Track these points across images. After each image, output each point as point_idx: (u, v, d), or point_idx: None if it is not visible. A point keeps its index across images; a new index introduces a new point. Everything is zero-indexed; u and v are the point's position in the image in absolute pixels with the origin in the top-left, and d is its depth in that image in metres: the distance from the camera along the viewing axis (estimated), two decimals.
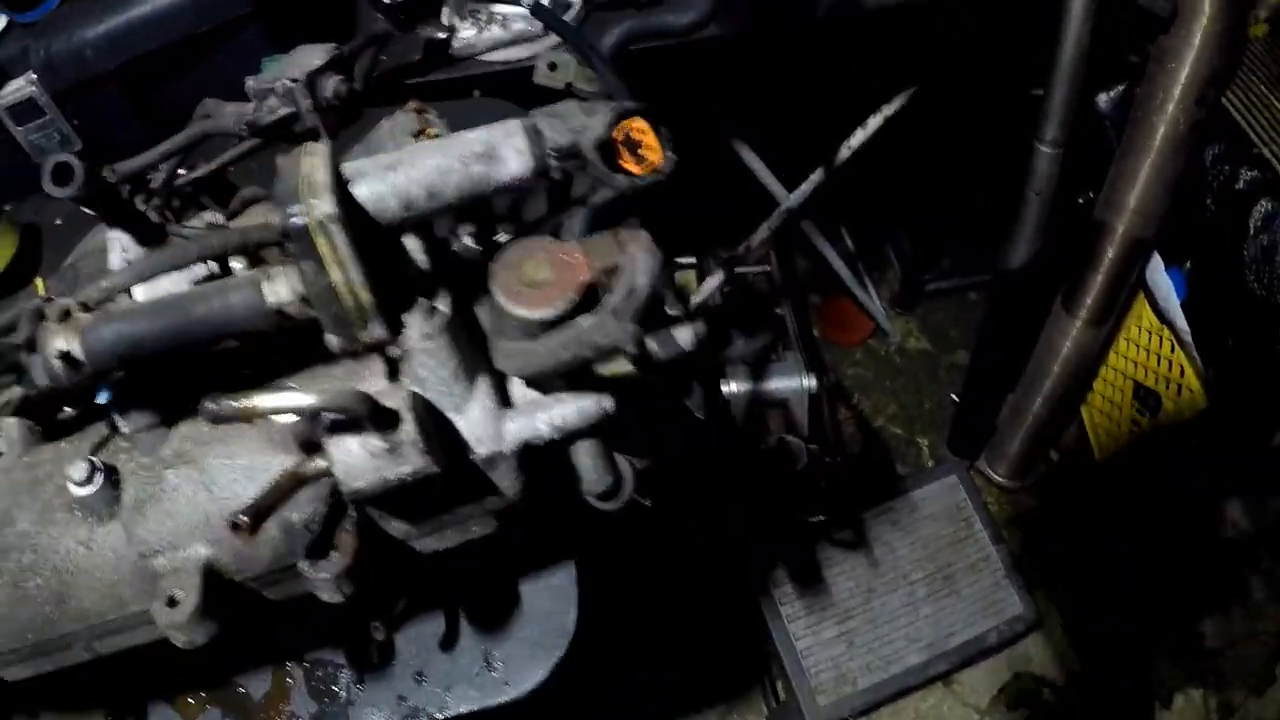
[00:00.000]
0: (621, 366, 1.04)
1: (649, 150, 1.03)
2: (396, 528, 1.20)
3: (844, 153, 2.56)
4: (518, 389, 1.15)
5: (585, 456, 1.16)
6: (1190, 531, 3.27)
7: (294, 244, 0.93)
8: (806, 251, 3.46)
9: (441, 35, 1.95)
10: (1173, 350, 2.83)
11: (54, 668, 1.27)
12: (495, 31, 2.12)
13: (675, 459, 1.35)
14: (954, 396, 3.30)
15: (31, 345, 1.06)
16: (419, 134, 1.38)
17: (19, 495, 1.23)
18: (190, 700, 1.64)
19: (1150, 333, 2.95)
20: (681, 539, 2.91)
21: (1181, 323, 2.66)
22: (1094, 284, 2.57)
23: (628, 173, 1.04)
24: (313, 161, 0.95)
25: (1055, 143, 2.32)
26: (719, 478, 2.79)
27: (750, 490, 2.91)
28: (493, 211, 1.19)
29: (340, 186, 0.95)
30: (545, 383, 1.11)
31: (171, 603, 1.10)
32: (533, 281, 1.03)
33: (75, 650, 1.25)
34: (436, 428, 1.07)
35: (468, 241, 1.17)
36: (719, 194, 2.87)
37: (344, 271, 0.95)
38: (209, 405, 0.96)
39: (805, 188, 2.65)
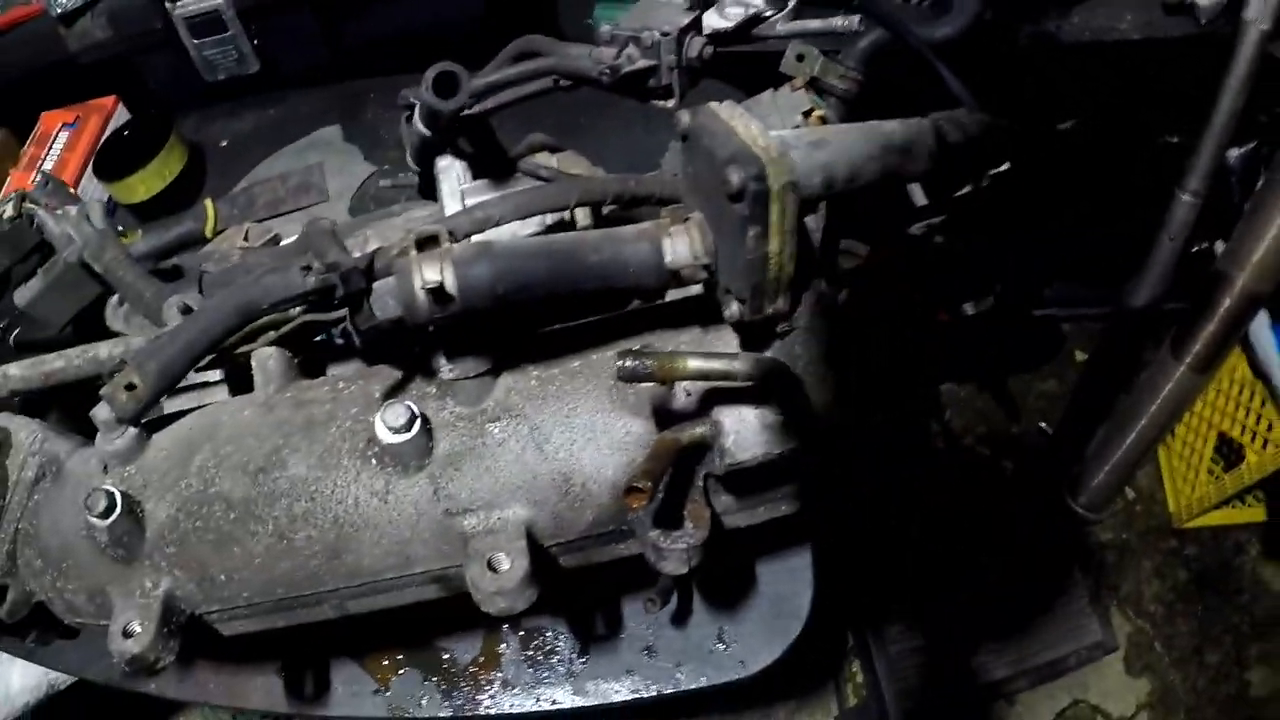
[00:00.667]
0: None
1: None
2: (722, 502, 1.18)
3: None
4: None
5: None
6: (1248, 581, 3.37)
7: (745, 205, 0.91)
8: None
9: (753, 13, 1.94)
10: (1263, 405, 2.91)
11: (286, 624, 1.21)
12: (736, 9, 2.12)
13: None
14: (1042, 425, 3.37)
15: (370, 273, 1.04)
16: (809, 113, 1.37)
17: (290, 436, 1.15)
18: (385, 660, 1.57)
19: (1243, 386, 3.02)
20: None
21: (1278, 379, 2.72)
22: (1205, 333, 2.62)
23: None
24: (744, 124, 0.95)
25: (1196, 194, 2.40)
26: None
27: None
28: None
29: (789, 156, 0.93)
30: None
31: (492, 567, 1.05)
32: None
33: (323, 609, 1.19)
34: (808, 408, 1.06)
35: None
36: None
37: (783, 241, 0.93)
38: (627, 362, 0.96)
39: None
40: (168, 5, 2.08)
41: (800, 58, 1.62)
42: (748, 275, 0.95)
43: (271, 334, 1.25)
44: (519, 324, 1.18)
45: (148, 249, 1.52)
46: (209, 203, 2.16)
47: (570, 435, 1.12)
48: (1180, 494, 3.42)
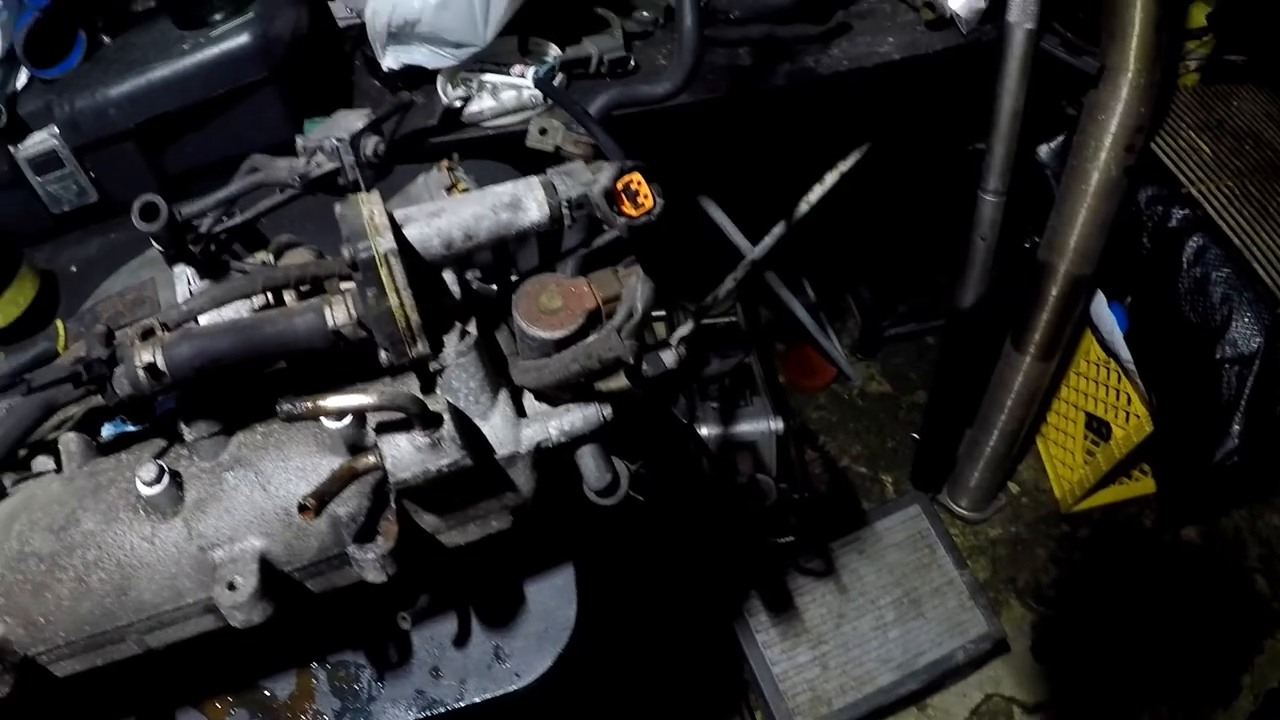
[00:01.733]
0: (618, 382, 1.21)
1: (644, 198, 1.20)
2: (428, 521, 1.34)
3: (803, 207, 2.69)
4: (530, 402, 1.30)
5: (588, 458, 1.31)
6: (1145, 552, 3.43)
7: (360, 273, 1.08)
8: (770, 302, 3.58)
9: (457, 104, 2.10)
10: (1119, 380, 2.98)
11: (104, 662, 1.35)
12: (487, 101, 2.27)
13: (662, 460, 1.51)
14: (915, 435, 3.45)
15: (113, 361, 1.21)
16: (451, 188, 1.55)
17: (83, 499, 1.32)
18: (218, 705, 1.69)
19: (1098, 365, 3.10)
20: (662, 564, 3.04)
21: (1125, 354, 2.81)
22: (1040, 321, 2.72)
23: (627, 216, 1.20)
24: (373, 207, 1.12)
25: (997, 191, 2.49)
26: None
27: (722, 524, 3.05)
28: (508, 256, 1.34)
29: (396, 227, 1.11)
30: (554, 396, 1.27)
31: (231, 587, 1.21)
32: (547, 309, 1.19)
33: (128, 644, 1.33)
34: (466, 430, 1.21)
35: (477, 283, 1.34)
36: (687, 249, 3.01)
37: (400, 297, 1.10)
38: (284, 405, 1.10)
39: (768, 240, 2.77)
40: (11, 149, 2.19)
41: (543, 131, 1.77)
42: (380, 328, 1.14)
43: (70, 420, 1.40)
44: (246, 389, 1.32)
45: (8, 369, 1.61)
46: (59, 323, 2.22)
47: (287, 476, 1.29)
48: (1062, 480, 3.50)
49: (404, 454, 1.15)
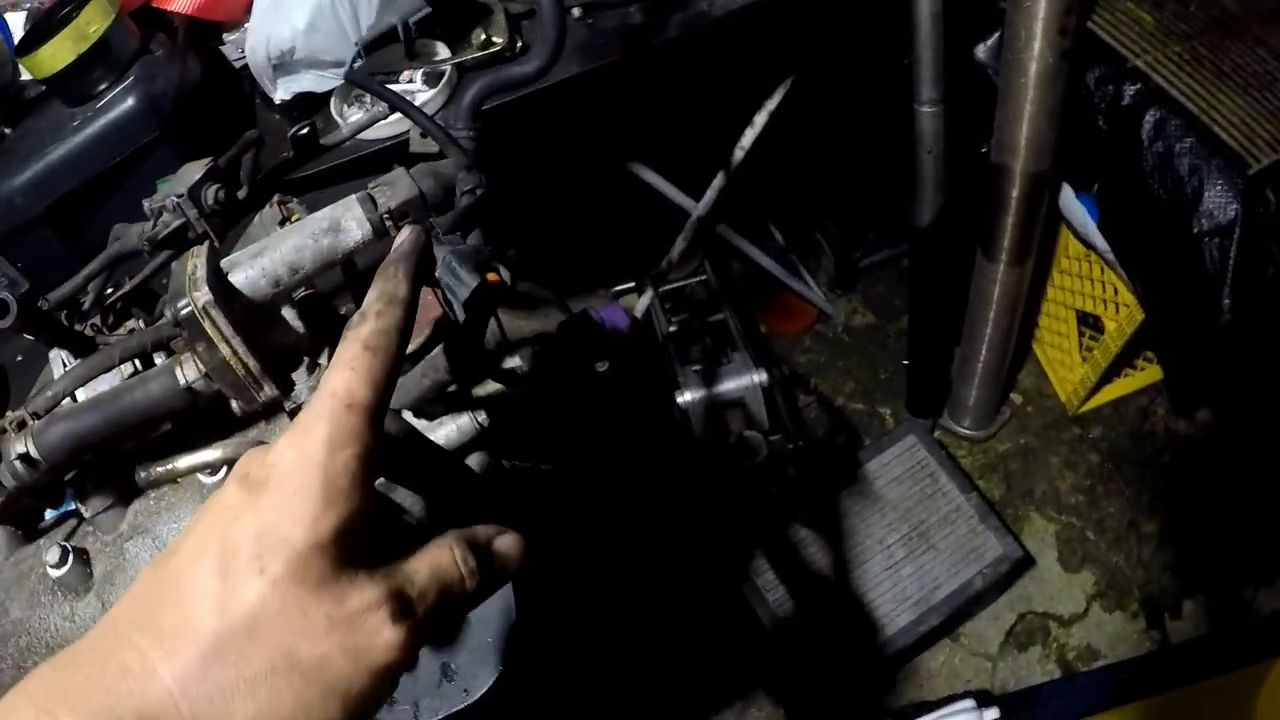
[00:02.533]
0: (489, 386, 1.20)
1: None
2: None
3: (739, 154, 2.61)
4: (410, 420, 1.23)
5: (477, 468, 1.26)
6: (1161, 441, 3.33)
7: (187, 330, 1.04)
8: (740, 254, 3.49)
9: (304, 130, 2.02)
10: (1102, 272, 2.90)
11: None
12: (359, 115, 2.19)
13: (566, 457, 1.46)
14: (906, 363, 3.34)
15: None
16: (283, 222, 1.49)
17: (9, 590, 1.34)
18: None
19: (1078, 260, 3.01)
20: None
21: (1102, 244, 2.69)
22: (1006, 226, 2.61)
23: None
24: (194, 261, 1.07)
25: (933, 101, 2.38)
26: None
27: (718, 491, 2.98)
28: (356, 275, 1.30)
29: (217, 276, 1.06)
30: (429, 410, 1.21)
31: None
32: None
33: None
34: None
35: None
36: (640, 220, 2.92)
37: (230, 346, 1.06)
38: (140, 474, 1.13)
39: (710, 194, 2.70)
40: None
41: (424, 134, 1.70)
42: (221, 379, 1.10)
43: None
44: (132, 461, 1.31)
45: None
46: (10, 413, 2.18)
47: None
48: (1065, 382, 3.39)
49: None
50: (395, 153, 2.07)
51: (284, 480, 0.63)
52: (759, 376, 2.93)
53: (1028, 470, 3.34)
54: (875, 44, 2.70)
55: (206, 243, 1.15)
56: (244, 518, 0.63)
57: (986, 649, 3.01)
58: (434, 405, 1.20)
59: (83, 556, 1.30)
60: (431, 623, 0.68)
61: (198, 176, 1.44)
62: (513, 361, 1.25)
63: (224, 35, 2.45)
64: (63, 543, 1.29)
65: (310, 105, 2.30)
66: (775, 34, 2.49)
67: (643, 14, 2.27)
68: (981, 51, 2.68)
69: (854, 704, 2.90)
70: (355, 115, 2.24)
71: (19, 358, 2.45)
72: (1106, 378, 3.27)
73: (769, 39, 2.51)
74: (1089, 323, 3.19)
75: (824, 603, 2.94)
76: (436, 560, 0.70)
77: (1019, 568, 3.01)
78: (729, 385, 2.96)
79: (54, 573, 1.27)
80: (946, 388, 3.30)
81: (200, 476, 1.24)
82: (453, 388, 1.16)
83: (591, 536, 2.54)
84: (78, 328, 1.48)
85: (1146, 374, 3.37)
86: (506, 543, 0.79)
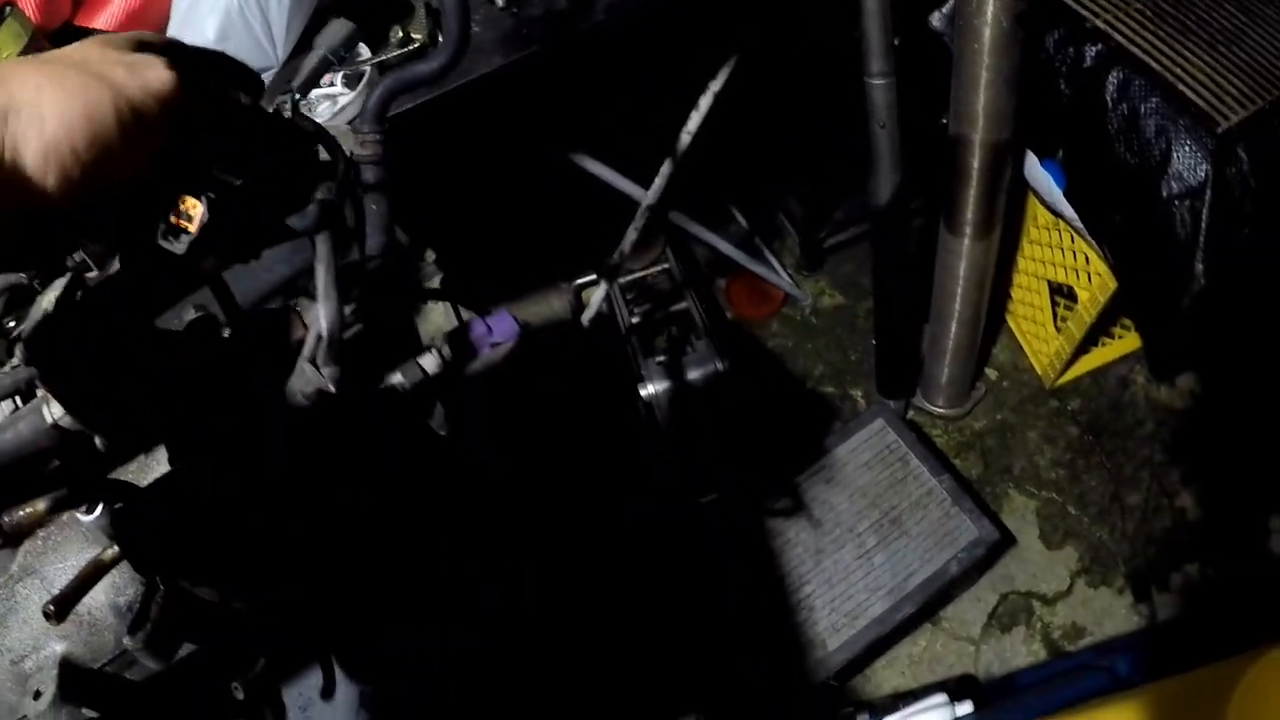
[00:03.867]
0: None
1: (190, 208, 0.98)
2: (206, 593, 1.30)
3: (685, 139, 2.52)
4: None
5: None
6: (1142, 409, 3.26)
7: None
8: (702, 241, 3.40)
9: None
10: (1072, 240, 2.83)
11: None
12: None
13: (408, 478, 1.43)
14: (875, 342, 3.25)
15: None
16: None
17: None
18: None
19: (1047, 229, 2.94)
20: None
21: (1069, 211, 2.63)
22: (968, 198, 2.52)
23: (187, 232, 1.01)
24: (50, 295, 1.02)
25: (883, 73, 2.29)
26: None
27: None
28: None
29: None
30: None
31: (36, 695, 1.23)
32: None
33: None
34: None
35: None
36: (595, 212, 2.84)
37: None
38: (4, 520, 1.10)
39: (659, 181, 2.61)
40: None
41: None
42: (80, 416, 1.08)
43: None
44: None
45: None
46: None
47: (67, 576, 1.28)
48: (1040, 355, 3.31)
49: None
50: None
51: None
52: (722, 364, 2.86)
53: (1005, 447, 3.26)
54: (820, 17, 2.62)
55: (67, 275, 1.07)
56: None
57: (969, 632, 2.94)
58: None
59: None
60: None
61: None
62: (395, 378, 1.22)
63: None
64: None
65: None
66: (711, 13, 2.40)
67: (567, 1, 2.16)
68: (936, 19, 2.61)
69: (826, 698, 2.81)
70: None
71: None
72: (1083, 348, 3.19)
73: (705, 18, 2.42)
74: (1063, 293, 3.12)
75: (793, 595, 2.84)
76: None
77: (996, 549, 2.93)
78: (694, 374, 2.90)
79: None
80: (918, 367, 3.22)
81: (78, 514, 1.23)
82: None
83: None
84: None
85: (1124, 342, 3.30)
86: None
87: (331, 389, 1.06)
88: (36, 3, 2.10)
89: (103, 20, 2.21)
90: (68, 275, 1.00)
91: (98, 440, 1.12)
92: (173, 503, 1.19)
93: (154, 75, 0.84)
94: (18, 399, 1.22)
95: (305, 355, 1.10)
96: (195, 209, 0.93)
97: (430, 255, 1.94)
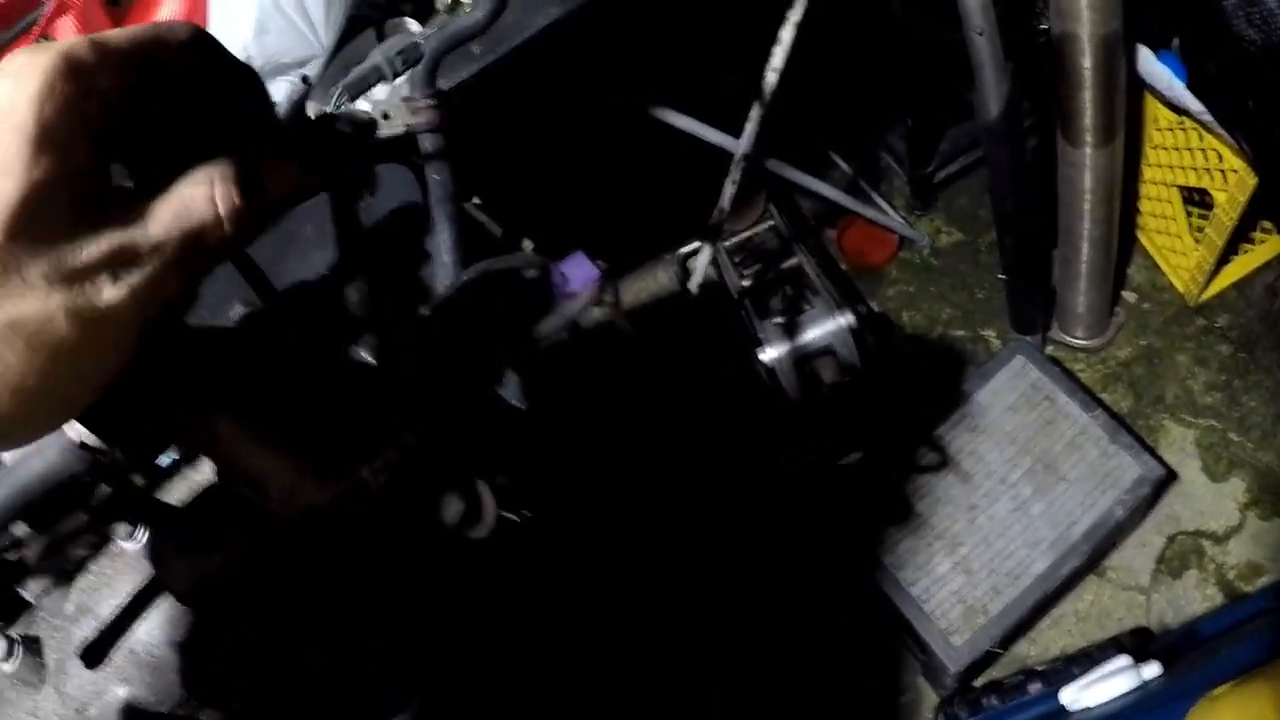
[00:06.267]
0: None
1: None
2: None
3: (771, 77, 2.37)
4: None
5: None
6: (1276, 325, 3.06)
7: None
8: (805, 190, 3.24)
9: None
10: (1200, 138, 2.64)
11: None
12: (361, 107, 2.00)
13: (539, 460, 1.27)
14: (1002, 277, 3.06)
15: None
16: None
17: None
18: None
19: (1172, 129, 2.75)
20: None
21: (1195, 105, 2.43)
22: (1084, 103, 2.34)
23: None
24: None
25: None
26: None
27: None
28: None
29: None
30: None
31: None
32: None
33: None
34: None
35: None
36: (689, 171, 2.71)
37: None
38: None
39: (749, 128, 2.46)
40: None
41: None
42: None
43: None
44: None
45: None
46: None
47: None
48: (1179, 270, 3.10)
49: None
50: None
51: None
52: (845, 318, 2.73)
53: (1155, 374, 3.06)
54: None
55: None
56: None
57: (1137, 581, 2.75)
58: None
59: (34, 646, 1.25)
60: (174, 275, 0.64)
61: None
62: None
63: None
64: (10, 633, 1.23)
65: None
66: None
67: None
68: None
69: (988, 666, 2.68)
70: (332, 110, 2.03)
71: None
72: (1224, 258, 2.97)
73: None
74: (1195, 199, 2.91)
75: (947, 559, 2.68)
76: (184, 202, 0.64)
77: (1161, 486, 2.74)
78: (814, 334, 2.78)
79: (5, 667, 1.21)
80: (1051, 297, 3.03)
81: (124, 544, 1.20)
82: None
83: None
84: None
85: (1268, 246, 3.07)
86: (283, 171, 0.72)
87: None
88: (75, 30, 2.01)
89: None
90: None
91: (118, 454, 1.01)
92: (215, 523, 1.09)
93: (103, 302, 0.60)
94: None
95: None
96: None
97: (528, 244, 1.84)
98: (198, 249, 0.64)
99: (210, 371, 0.88)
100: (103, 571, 1.25)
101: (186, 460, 1.25)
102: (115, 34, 0.62)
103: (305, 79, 1.53)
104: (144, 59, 0.64)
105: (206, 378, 0.86)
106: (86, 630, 1.23)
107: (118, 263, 0.60)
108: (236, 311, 1.20)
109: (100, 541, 1.26)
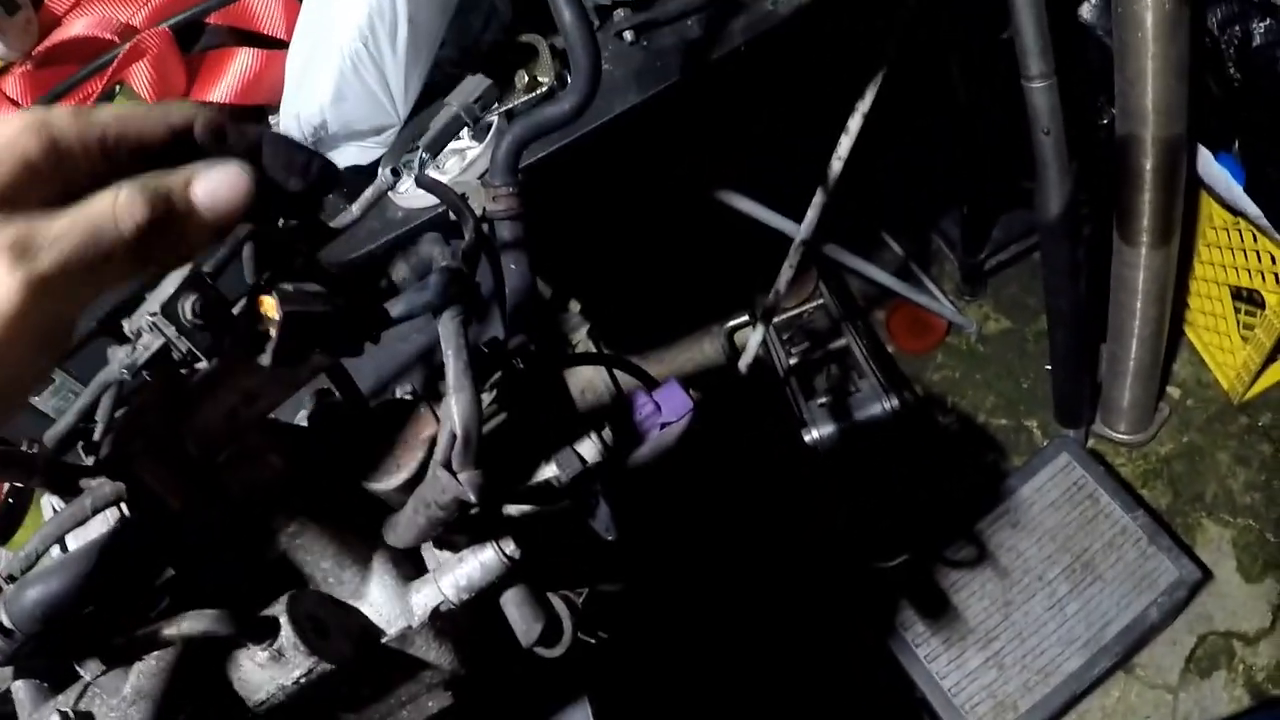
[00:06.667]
0: (519, 506, 1.03)
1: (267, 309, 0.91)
2: None
3: (836, 165, 2.40)
4: (431, 555, 1.09)
5: (511, 606, 1.09)
6: None
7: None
8: (857, 273, 3.26)
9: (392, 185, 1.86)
10: (1255, 240, 2.65)
11: None
12: (408, 183, 2.01)
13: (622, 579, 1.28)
14: (1048, 367, 3.08)
15: None
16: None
17: None
18: None
19: (1226, 229, 2.76)
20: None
21: (1252, 209, 2.44)
22: (1143, 203, 2.36)
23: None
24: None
25: (1044, 75, 2.14)
26: None
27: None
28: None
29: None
30: (452, 541, 1.05)
31: None
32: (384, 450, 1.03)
33: None
34: (335, 620, 1.04)
35: None
36: (744, 248, 2.74)
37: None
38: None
39: (811, 214, 2.49)
40: None
41: (396, 174, 1.55)
42: None
43: None
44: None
45: None
46: None
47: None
48: (1225, 368, 3.11)
49: (249, 674, 1.03)
50: (438, 221, 1.97)
51: None
52: (890, 402, 2.76)
53: (1195, 471, 3.06)
54: (968, 20, 2.49)
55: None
56: None
57: (1165, 679, 2.76)
58: (456, 535, 1.04)
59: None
60: (68, 277, 0.64)
61: (173, 289, 1.24)
62: (548, 470, 1.05)
63: (269, 118, 2.28)
64: (64, 709, 1.18)
65: (363, 180, 2.11)
66: (855, 26, 2.29)
67: (701, 25, 2.04)
68: (1086, 11, 2.44)
69: None
70: (406, 183, 2.04)
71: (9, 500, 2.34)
72: (1272, 357, 2.95)
73: (848, 33, 2.31)
74: (1245, 297, 2.91)
75: (980, 653, 2.70)
76: (89, 206, 0.64)
77: (1196, 588, 2.76)
78: (860, 415, 2.80)
79: None
80: (1096, 390, 3.04)
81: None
82: (474, 510, 0.96)
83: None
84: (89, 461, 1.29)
85: None
86: (214, 181, 0.71)
87: (471, 498, 0.89)
88: (150, 79, 2.04)
89: (218, 93, 2.15)
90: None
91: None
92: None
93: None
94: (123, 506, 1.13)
95: (438, 459, 0.92)
96: (272, 310, 0.84)
97: (575, 306, 1.85)
98: (97, 250, 0.64)
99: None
100: (164, 656, 1.21)
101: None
102: (103, 113, 0.67)
103: (395, 171, 1.55)
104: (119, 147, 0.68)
105: None
106: (144, 715, 1.20)
107: (15, 252, 0.61)
108: None
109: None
